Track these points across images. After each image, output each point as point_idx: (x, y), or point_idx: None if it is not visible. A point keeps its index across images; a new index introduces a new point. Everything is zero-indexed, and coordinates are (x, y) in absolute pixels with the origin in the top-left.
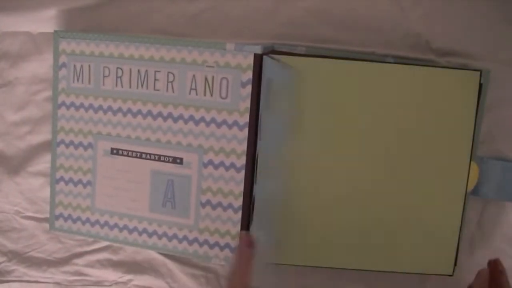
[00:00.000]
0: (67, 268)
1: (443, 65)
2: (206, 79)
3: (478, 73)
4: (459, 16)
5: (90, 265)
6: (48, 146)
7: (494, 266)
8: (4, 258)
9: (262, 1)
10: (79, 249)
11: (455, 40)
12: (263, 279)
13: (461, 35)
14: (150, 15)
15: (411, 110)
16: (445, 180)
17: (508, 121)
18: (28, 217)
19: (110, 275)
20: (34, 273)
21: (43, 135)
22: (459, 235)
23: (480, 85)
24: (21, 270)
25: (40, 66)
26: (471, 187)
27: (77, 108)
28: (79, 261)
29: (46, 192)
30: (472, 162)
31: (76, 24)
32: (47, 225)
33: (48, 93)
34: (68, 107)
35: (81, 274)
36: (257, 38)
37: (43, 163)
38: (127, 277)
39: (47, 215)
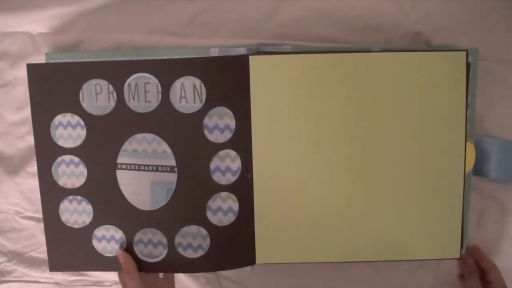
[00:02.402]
0: None
1: (428, 49)
2: (194, 86)
3: (464, 53)
4: (459, 15)
5: None
6: None
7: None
8: (4, 258)
9: (262, 1)
10: None
11: (454, 39)
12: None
13: (461, 34)
14: (150, 15)
15: (401, 96)
16: (443, 163)
17: (509, 119)
18: (28, 217)
19: (110, 275)
20: (33, 273)
21: None
22: (463, 216)
23: (468, 64)
24: (20, 270)
25: None
26: (469, 167)
27: (74, 127)
28: None
29: None
30: (468, 142)
31: (76, 24)
32: None
33: None
34: (65, 127)
35: (81, 274)
36: (257, 38)
37: None
38: None
39: None
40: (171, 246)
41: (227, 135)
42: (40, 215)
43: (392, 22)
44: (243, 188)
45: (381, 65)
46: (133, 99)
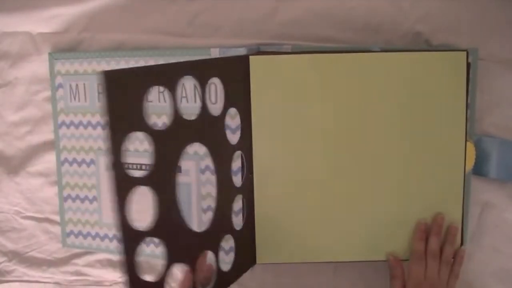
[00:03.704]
0: (67, 268)
1: (428, 49)
2: (195, 86)
3: (465, 53)
4: (459, 15)
5: (90, 265)
6: (48, 146)
7: None
8: (4, 258)
9: (262, 1)
10: (79, 249)
11: (454, 39)
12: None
13: (461, 34)
14: (150, 15)
15: (401, 96)
16: (443, 162)
17: (508, 119)
18: (28, 217)
19: (110, 275)
20: (34, 273)
21: (43, 135)
22: (463, 215)
23: (468, 64)
24: (21, 270)
25: (39, 66)
26: (469, 166)
27: (77, 126)
28: (79, 261)
29: (46, 192)
30: (468, 142)
31: (76, 24)
32: (47, 225)
33: (48, 93)
34: (68, 126)
35: (81, 274)
36: (257, 38)
37: (43, 163)
38: None
39: (47, 215)
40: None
41: (238, 136)
42: (40, 215)
43: (392, 22)
44: (248, 188)
45: (381, 65)
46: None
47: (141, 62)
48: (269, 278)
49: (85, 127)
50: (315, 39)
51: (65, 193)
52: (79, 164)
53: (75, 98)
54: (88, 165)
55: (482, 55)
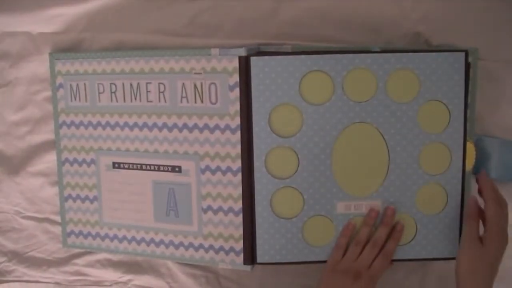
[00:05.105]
0: (67, 268)
1: (428, 49)
2: (195, 86)
3: (463, 53)
4: (459, 15)
5: (90, 265)
6: (48, 146)
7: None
8: (4, 258)
9: (262, 1)
10: (79, 249)
11: (454, 39)
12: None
13: (461, 34)
14: (150, 15)
15: (401, 96)
16: (443, 162)
17: (508, 119)
18: (28, 217)
19: (110, 275)
20: (34, 273)
21: (43, 135)
22: (461, 216)
23: (468, 64)
24: (21, 270)
25: (39, 66)
26: (469, 166)
27: (77, 126)
28: (79, 261)
29: (46, 192)
30: (468, 142)
31: (76, 24)
32: (47, 225)
33: (48, 93)
34: (69, 126)
35: (81, 274)
36: (257, 38)
37: (43, 163)
38: (127, 277)
39: (47, 215)
40: None
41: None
42: (40, 215)
43: (392, 22)
44: (248, 188)
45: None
46: (135, 99)
47: (141, 62)
48: (269, 277)
49: (86, 127)
50: (315, 39)
51: (65, 193)
52: (80, 164)
53: (75, 98)
54: (89, 165)
55: (482, 54)
